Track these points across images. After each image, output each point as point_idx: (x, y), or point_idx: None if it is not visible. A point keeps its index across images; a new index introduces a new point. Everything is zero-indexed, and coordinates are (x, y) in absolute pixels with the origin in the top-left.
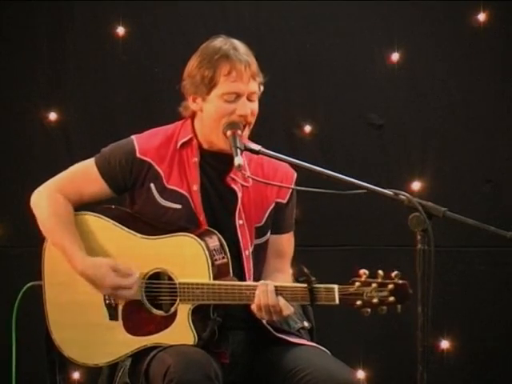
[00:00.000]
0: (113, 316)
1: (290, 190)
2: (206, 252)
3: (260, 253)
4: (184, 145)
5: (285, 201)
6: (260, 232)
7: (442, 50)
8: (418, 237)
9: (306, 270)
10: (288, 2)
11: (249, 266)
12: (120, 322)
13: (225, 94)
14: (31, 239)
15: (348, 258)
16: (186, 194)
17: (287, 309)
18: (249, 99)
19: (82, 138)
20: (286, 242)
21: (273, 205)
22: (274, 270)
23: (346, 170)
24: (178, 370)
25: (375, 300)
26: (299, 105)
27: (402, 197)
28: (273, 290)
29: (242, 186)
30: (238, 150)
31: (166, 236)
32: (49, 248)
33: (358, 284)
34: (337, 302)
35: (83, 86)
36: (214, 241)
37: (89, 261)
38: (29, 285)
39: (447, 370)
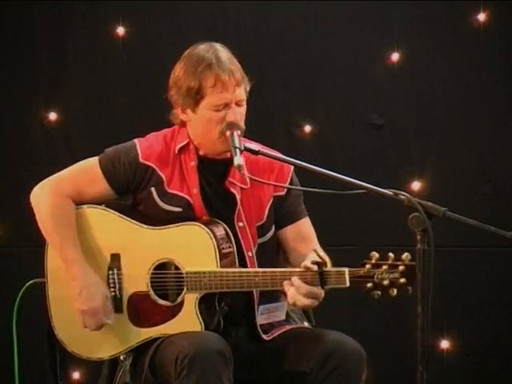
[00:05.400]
0: (118, 308)
1: (288, 182)
2: (214, 240)
3: (265, 252)
4: (181, 149)
5: (283, 192)
6: (263, 230)
7: (441, 50)
8: (418, 237)
9: (318, 253)
10: (288, 2)
11: (253, 267)
12: (125, 313)
13: (213, 105)
14: (31, 239)
15: (348, 258)
16: (187, 197)
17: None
18: (237, 105)
19: (82, 137)
20: (305, 226)
21: (271, 200)
22: (305, 257)
23: (346, 170)
24: (192, 347)
25: (386, 282)
26: (299, 105)
27: (402, 197)
28: (299, 285)
29: (241, 188)
30: (238, 150)
31: (172, 226)
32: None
33: (368, 266)
34: (347, 284)
35: (83, 86)
36: (220, 230)
37: (88, 272)
38: (30, 282)
39: (447, 370)
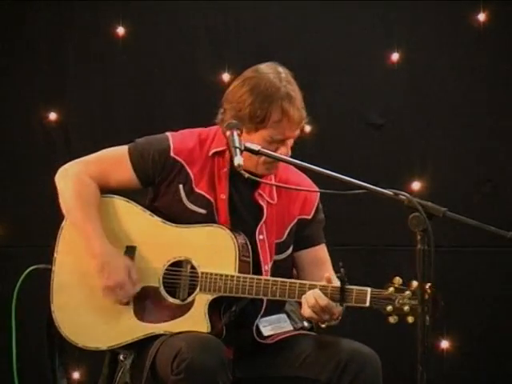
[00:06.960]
0: None
1: (315, 206)
2: (236, 246)
3: (280, 269)
4: (216, 154)
5: (310, 216)
6: (281, 247)
7: (441, 50)
8: (418, 237)
9: (342, 269)
10: (288, 2)
11: None
12: (131, 306)
13: (270, 137)
14: (31, 239)
15: (348, 258)
16: (213, 200)
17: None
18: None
19: (82, 137)
20: (322, 252)
21: (295, 221)
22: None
23: (346, 170)
24: (191, 352)
25: (406, 308)
26: None
27: (402, 197)
28: (319, 295)
29: (268, 203)
30: (238, 150)
31: (195, 226)
32: (66, 227)
33: (391, 289)
34: (367, 304)
35: (83, 86)
36: (241, 238)
37: (108, 247)
38: (31, 268)
39: (447, 370)
